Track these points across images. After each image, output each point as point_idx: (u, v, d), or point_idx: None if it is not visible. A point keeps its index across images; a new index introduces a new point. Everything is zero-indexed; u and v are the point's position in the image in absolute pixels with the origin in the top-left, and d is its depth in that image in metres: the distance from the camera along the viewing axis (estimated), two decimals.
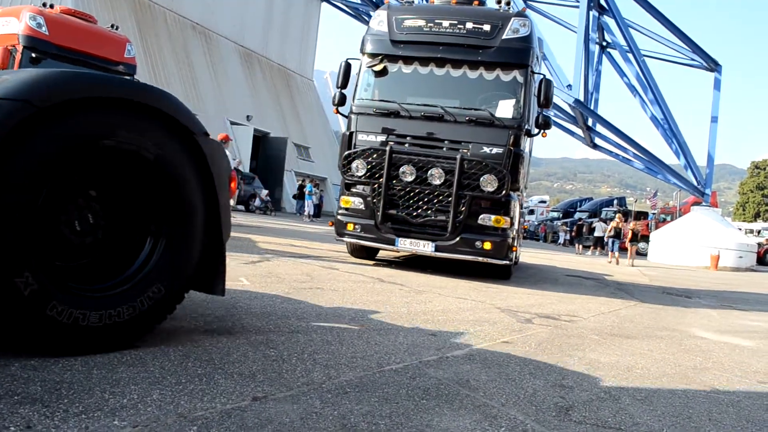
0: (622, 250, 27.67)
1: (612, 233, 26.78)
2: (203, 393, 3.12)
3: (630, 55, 30.14)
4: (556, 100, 29.43)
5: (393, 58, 10.77)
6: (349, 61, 11.00)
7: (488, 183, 9.88)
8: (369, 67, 10.88)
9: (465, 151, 10.07)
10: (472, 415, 3.34)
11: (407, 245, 10.20)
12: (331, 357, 4.14)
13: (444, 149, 10.22)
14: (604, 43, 33.47)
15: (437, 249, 10.09)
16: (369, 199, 10.43)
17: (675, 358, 5.75)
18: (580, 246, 33.36)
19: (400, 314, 6.21)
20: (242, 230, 14.66)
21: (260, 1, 42.20)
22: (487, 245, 9.88)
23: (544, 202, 65.01)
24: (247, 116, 37.87)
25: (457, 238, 10.00)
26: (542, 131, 10.69)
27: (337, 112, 10.98)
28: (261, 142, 38.82)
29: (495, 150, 9.96)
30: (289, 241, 13.72)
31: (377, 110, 10.59)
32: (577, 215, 47.10)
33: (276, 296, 6.30)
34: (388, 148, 10.16)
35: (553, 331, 6.45)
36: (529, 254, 20.94)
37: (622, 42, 30.18)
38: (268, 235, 14.63)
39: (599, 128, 31.95)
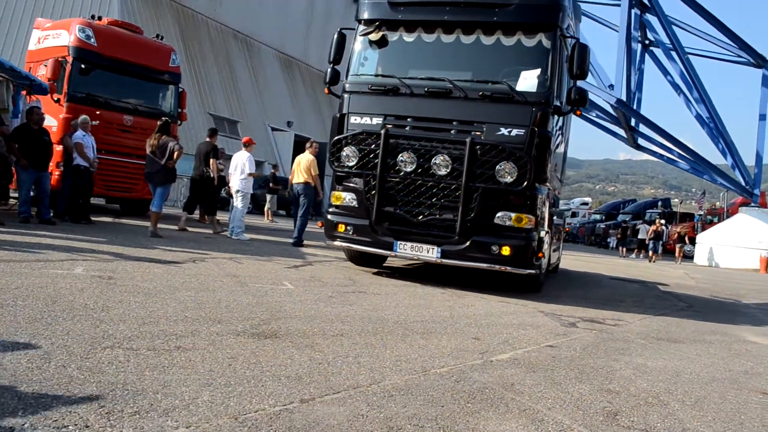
0: (668, 251, 28.83)
1: (652, 235, 28.94)
2: (252, 395, 3.18)
3: (674, 53, 29.49)
4: (597, 100, 29.04)
5: (392, 24, 8.98)
6: (343, 31, 9.27)
7: (506, 172, 8.01)
8: (363, 34, 9.13)
9: (477, 133, 8.21)
10: (518, 419, 3.33)
11: (407, 250, 8.48)
12: (375, 360, 4.17)
13: (452, 132, 8.39)
14: (647, 42, 32.81)
15: (444, 255, 8.32)
16: (363, 194, 8.73)
17: (725, 363, 5.63)
18: (624, 249, 32.83)
19: (443, 318, 6.21)
20: (283, 234, 14.82)
21: (300, 9, 42.62)
22: (506, 250, 8.07)
23: (587, 204, 63.93)
24: (288, 122, 38.29)
25: (468, 242, 8.19)
26: (576, 108, 8.69)
27: (329, 92, 9.26)
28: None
29: (515, 132, 8.10)
30: (330, 245, 13.78)
31: (373, 87, 8.85)
32: (620, 217, 46.18)
33: (320, 300, 6.37)
34: (383, 132, 8.46)
35: (598, 335, 6.37)
36: (571, 258, 20.66)
37: (666, 40, 29.55)
38: (309, 239, 14.75)
39: (642, 128, 31.32)
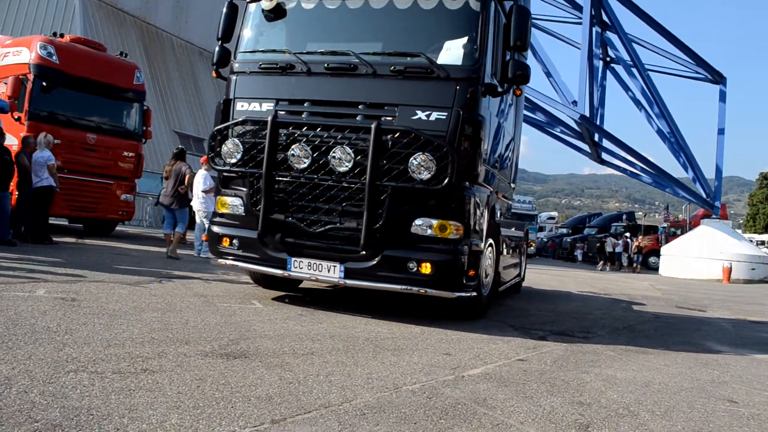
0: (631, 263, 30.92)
1: (635, 250, 33.21)
2: (221, 417, 3.12)
3: (634, 70, 30.17)
4: (561, 115, 29.50)
5: None
6: (234, 2, 7.69)
7: (421, 167, 6.34)
8: (253, 1, 7.62)
9: (389, 118, 6.61)
10: None
11: (304, 269, 6.79)
12: (347, 378, 4.13)
13: (358, 117, 6.75)
14: (608, 59, 33.54)
15: (347, 275, 6.63)
16: (249, 198, 7.08)
17: (692, 372, 5.70)
18: (602, 262, 33.30)
19: (414, 333, 6.19)
20: None
21: None
22: (426, 268, 6.37)
23: (553, 218, 64.66)
24: None
25: (378, 258, 6.52)
26: (515, 87, 7.26)
27: (217, 75, 7.70)
28: None
29: (435, 115, 6.48)
30: (217, 263, 13.69)
31: (264, 65, 7.29)
32: (586, 231, 46.79)
33: (289, 318, 6.30)
34: (269, 119, 6.81)
35: (568, 347, 6.41)
36: (537, 271, 20.85)
37: (626, 57, 30.25)
38: None
39: (606, 143, 31.90)
